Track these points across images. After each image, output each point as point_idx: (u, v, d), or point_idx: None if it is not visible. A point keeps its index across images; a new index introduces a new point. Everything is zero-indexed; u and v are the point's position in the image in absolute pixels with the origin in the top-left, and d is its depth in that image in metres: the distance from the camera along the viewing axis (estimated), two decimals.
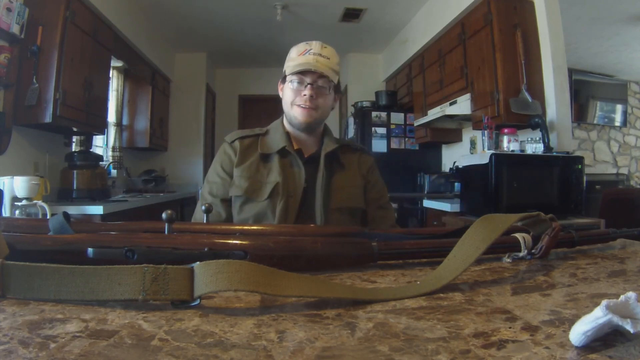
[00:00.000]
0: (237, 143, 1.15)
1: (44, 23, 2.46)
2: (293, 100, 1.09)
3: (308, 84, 1.07)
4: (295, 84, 1.08)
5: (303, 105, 1.08)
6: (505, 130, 2.59)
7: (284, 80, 1.13)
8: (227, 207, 1.12)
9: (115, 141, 4.00)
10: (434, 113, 3.52)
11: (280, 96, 1.17)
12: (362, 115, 4.34)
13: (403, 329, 0.35)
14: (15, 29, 2.29)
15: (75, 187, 2.83)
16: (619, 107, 5.34)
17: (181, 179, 4.92)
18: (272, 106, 5.07)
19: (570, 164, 2.31)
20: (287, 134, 1.14)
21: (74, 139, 3.21)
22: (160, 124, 4.65)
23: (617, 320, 0.30)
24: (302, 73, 1.07)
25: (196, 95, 5.08)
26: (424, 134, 4.04)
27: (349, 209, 1.13)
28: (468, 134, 3.70)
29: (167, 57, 4.79)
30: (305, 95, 1.07)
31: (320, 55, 1.07)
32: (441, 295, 0.45)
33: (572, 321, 0.34)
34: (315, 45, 1.09)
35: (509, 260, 0.61)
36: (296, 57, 1.08)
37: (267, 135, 1.17)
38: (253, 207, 1.08)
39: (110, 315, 0.37)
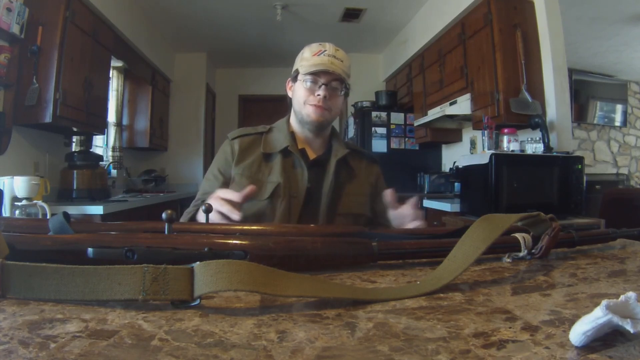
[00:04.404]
0: (237, 141, 1.15)
1: (44, 23, 2.46)
2: (306, 99, 1.09)
3: (322, 84, 1.07)
4: (309, 84, 1.08)
5: (316, 104, 1.08)
6: (505, 130, 2.60)
7: (294, 79, 1.13)
8: None
9: (115, 141, 4.00)
10: (434, 113, 3.52)
11: (289, 95, 1.16)
12: (362, 115, 4.34)
13: (403, 329, 0.35)
14: (15, 29, 2.29)
15: (75, 187, 2.83)
16: (619, 107, 5.34)
17: (181, 179, 4.92)
18: (272, 106, 5.10)
19: (570, 164, 2.31)
20: (292, 133, 1.14)
21: (74, 139, 3.21)
22: (160, 124, 4.65)
23: (617, 320, 0.30)
24: (316, 74, 1.07)
25: (196, 95, 5.08)
26: (424, 134, 4.04)
27: (353, 215, 1.13)
28: (468, 134, 3.70)
29: (167, 57, 4.79)
30: (319, 95, 1.07)
31: (334, 57, 1.07)
32: (441, 295, 0.45)
33: (572, 321, 0.34)
34: (329, 47, 1.09)
35: (509, 260, 0.61)
36: (310, 57, 1.08)
37: (270, 133, 1.16)
38: (253, 206, 1.08)
39: (110, 315, 0.37)
